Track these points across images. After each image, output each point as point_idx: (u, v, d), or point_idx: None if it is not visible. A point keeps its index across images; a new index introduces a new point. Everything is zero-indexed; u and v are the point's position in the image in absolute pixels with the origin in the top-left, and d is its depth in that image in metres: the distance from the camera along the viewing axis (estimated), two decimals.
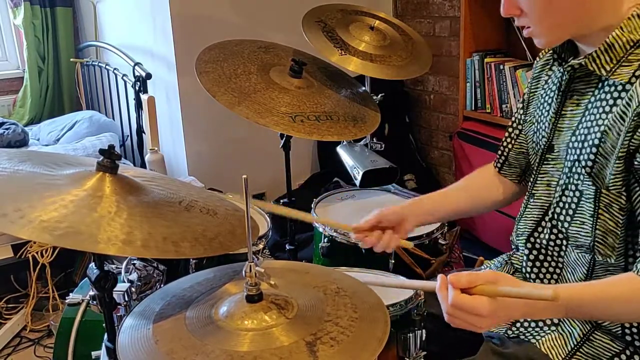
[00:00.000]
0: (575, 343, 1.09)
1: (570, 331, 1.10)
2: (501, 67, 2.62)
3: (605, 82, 1.02)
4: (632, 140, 0.96)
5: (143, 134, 2.70)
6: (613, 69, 1.00)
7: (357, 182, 1.86)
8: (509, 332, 1.18)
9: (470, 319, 0.91)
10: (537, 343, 1.13)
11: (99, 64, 3.32)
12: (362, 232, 1.30)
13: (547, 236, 1.16)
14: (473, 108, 2.80)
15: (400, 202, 1.86)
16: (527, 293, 0.91)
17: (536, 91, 1.25)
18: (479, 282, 0.91)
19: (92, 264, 1.14)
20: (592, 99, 1.05)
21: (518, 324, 1.18)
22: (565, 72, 1.10)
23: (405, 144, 3.40)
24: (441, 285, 0.94)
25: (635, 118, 0.95)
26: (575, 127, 1.07)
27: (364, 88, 1.95)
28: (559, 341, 1.11)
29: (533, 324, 1.16)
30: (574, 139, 1.07)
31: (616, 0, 1.00)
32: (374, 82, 2.02)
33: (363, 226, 1.30)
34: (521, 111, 1.31)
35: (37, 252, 2.40)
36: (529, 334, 1.16)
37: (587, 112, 1.05)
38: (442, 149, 3.38)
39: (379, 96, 1.98)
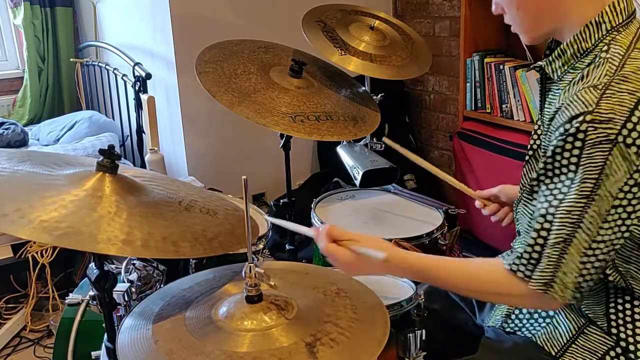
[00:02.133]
0: (570, 336, 1.11)
1: (565, 324, 1.12)
2: (501, 67, 2.62)
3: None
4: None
5: (143, 134, 2.70)
6: (562, 75, 1.04)
7: (357, 182, 1.86)
8: (504, 325, 1.20)
9: (335, 263, 1.11)
10: (532, 337, 1.15)
11: (99, 64, 3.32)
12: (483, 200, 1.48)
13: None
14: (473, 108, 2.80)
15: (400, 202, 1.89)
16: (366, 252, 1.08)
17: None
18: (345, 237, 1.11)
19: (92, 264, 1.14)
20: (560, 100, 1.06)
21: (513, 316, 1.20)
22: (538, 73, 1.13)
23: (405, 144, 3.39)
24: (316, 235, 1.15)
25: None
26: (548, 126, 1.09)
27: (364, 88, 1.95)
28: (554, 334, 1.13)
29: (527, 316, 1.18)
30: (547, 138, 1.09)
31: (580, 3, 1.00)
32: (374, 82, 2.02)
33: (484, 194, 1.48)
34: None
35: (37, 252, 2.40)
36: (524, 329, 1.18)
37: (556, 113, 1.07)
38: (442, 149, 3.37)
39: (379, 96, 1.98)
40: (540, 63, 1.09)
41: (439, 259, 1.11)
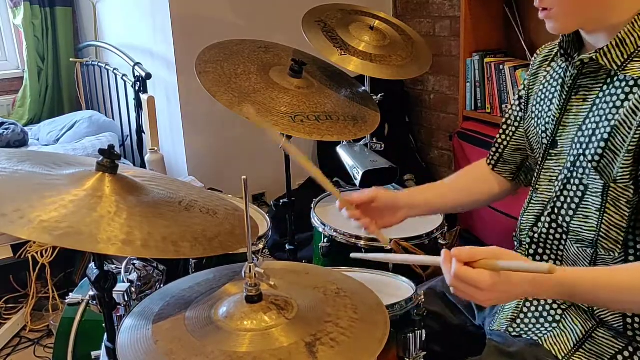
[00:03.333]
0: (578, 340, 1.10)
1: (572, 328, 1.11)
2: (501, 67, 2.62)
3: (615, 78, 1.04)
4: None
5: (143, 134, 2.70)
6: (624, 64, 1.03)
7: (357, 182, 1.86)
8: (510, 329, 1.19)
9: (470, 290, 0.95)
10: (539, 340, 1.14)
11: (99, 64, 3.32)
12: (347, 202, 1.31)
13: (545, 230, 1.17)
14: (473, 108, 2.80)
15: None
16: (524, 267, 0.94)
17: (534, 87, 1.25)
18: (480, 256, 0.96)
19: (92, 264, 1.14)
20: (601, 94, 1.06)
21: (519, 321, 1.19)
22: (572, 68, 1.11)
23: (405, 144, 3.40)
24: (445, 258, 0.98)
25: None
26: (581, 123, 1.09)
27: (364, 88, 1.95)
28: (561, 338, 1.12)
29: (534, 321, 1.17)
30: (580, 134, 1.08)
31: None
32: (374, 82, 2.02)
33: (353, 199, 1.32)
34: (517, 108, 1.32)
35: (37, 252, 2.40)
36: (530, 332, 1.16)
37: (595, 108, 1.07)
38: (442, 149, 3.38)
39: (379, 96, 1.98)
40: (588, 55, 1.06)
41: (588, 269, 1.04)
